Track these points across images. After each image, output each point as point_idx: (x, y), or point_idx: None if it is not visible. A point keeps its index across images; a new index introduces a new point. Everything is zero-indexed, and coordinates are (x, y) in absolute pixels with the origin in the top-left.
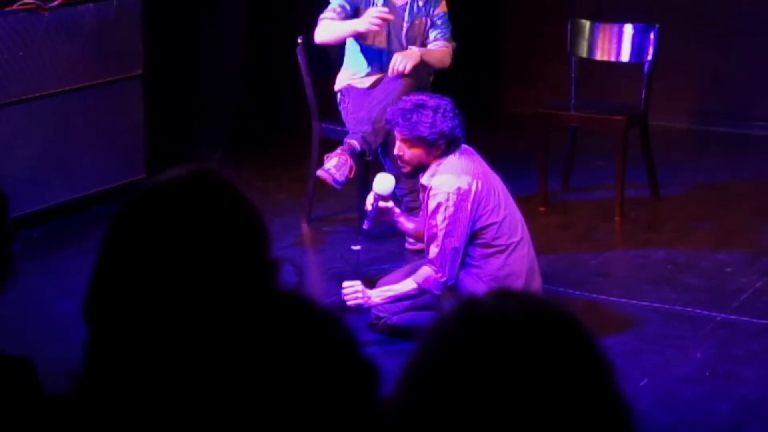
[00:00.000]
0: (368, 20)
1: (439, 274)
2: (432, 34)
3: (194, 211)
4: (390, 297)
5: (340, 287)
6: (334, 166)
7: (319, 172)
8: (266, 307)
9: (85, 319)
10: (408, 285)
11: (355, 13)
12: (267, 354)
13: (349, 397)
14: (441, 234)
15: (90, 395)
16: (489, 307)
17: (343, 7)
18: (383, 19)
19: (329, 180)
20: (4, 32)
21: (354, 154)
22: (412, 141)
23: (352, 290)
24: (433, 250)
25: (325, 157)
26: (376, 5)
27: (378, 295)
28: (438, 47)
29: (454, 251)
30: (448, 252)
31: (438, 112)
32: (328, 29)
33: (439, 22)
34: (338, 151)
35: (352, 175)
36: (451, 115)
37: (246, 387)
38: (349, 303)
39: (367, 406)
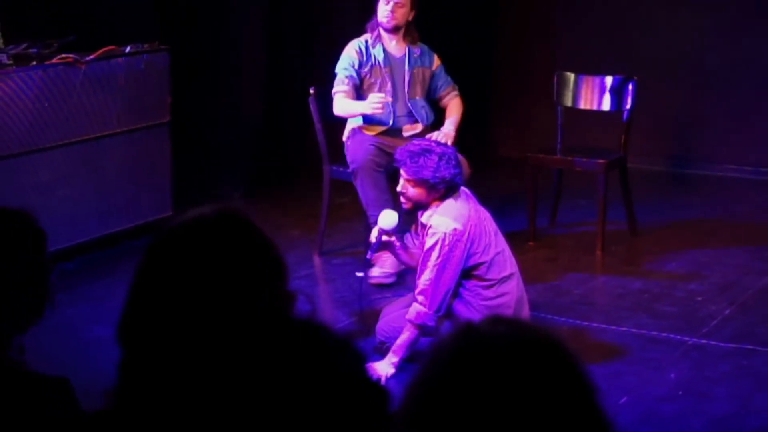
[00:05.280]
0: (371, 105)
1: (427, 308)
2: (439, 86)
3: (220, 246)
4: (401, 350)
5: (349, 314)
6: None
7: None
8: (285, 332)
9: (119, 342)
10: (407, 331)
11: (358, 75)
12: (286, 375)
13: (362, 417)
14: (435, 269)
15: (122, 412)
16: (483, 332)
17: (349, 77)
18: (382, 103)
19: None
20: (45, 83)
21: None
22: (416, 182)
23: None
24: (424, 283)
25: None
26: (379, 62)
27: (391, 360)
28: (454, 104)
29: (444, 285)
30: (438, 285)
31: (442, 159)
32: (342, 107)
33: (440, 75)
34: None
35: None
36: (453, 163)
37: (267, 406)
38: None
39: (379, 426)
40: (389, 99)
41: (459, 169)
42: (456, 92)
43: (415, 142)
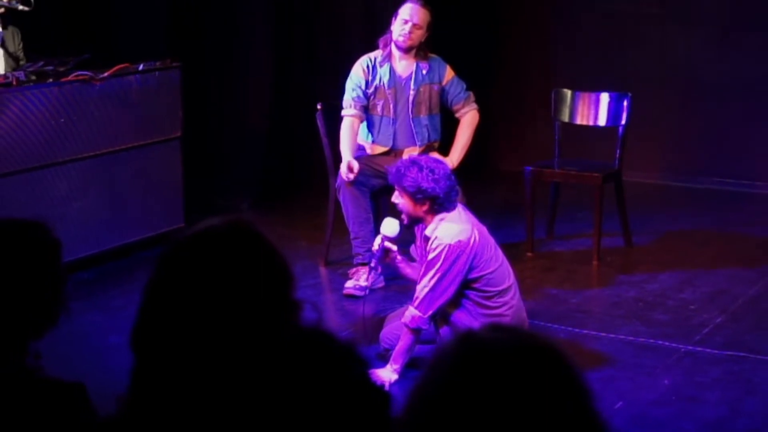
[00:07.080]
0: (344, 171)
1: (422, 312)
2: (450, 100)
3: (230, 257)
4: (400, 355)
5: (353, 323)
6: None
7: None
8: (292, 339)
9: (132, 349)
10: (404, 337)
11: (365, 95)
12: (293, 381)
13: (366, 422)
14: (435, 278)
15: (135, 416)
16: (483, 338)
17: (356, 98)
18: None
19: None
20: (62, 100)
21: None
22: (399, 190)
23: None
24: (424, 290)
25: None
26: (383, 83)
27: (393, 366)
28: (466, 121)
29: (442, 294)
30: (436, 294)
31: (423, 171)
32: (341, 137)
33: (452, 89)
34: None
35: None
36: (436, 177)
37: (274, 411)
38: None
39: (382, 430)
40: (352, 178)
41: (443, 184)
42: (470, 107)
43: (411, 155)
